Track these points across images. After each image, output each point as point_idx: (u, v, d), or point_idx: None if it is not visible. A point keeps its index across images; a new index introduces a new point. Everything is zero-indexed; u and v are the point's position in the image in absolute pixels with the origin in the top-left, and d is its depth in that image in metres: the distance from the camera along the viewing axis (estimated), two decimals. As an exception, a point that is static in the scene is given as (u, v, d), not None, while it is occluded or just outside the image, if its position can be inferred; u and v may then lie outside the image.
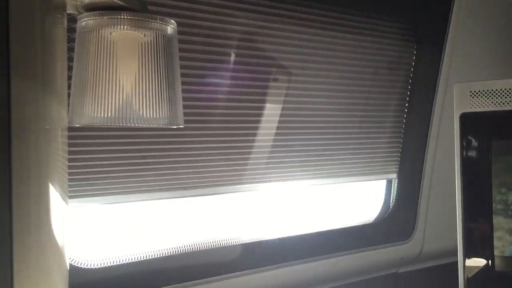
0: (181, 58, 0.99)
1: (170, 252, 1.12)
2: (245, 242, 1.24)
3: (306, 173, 1.32)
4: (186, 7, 1.02)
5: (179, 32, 0.71)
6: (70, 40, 0.66)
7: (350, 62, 1.34)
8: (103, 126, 0.64)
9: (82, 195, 0.96)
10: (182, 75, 0.99)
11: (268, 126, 1.21)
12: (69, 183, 0.90)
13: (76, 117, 0.63)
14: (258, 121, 1.18)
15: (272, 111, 1.20)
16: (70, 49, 0.65)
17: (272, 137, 1.22)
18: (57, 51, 0.57)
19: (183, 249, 1.14)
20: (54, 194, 0.54)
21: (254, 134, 1.18)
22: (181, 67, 1.00)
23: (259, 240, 1.27)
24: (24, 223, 0.48)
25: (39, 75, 0.53)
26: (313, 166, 1.32)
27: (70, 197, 0.94)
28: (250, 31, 1.13)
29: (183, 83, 1.01)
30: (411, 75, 1.48)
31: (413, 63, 1.48)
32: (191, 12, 1.03)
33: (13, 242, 0.47)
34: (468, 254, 0.99)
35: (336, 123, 1.36)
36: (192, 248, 1.16)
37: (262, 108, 1.18)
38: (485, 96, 0.98)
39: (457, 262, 1.02)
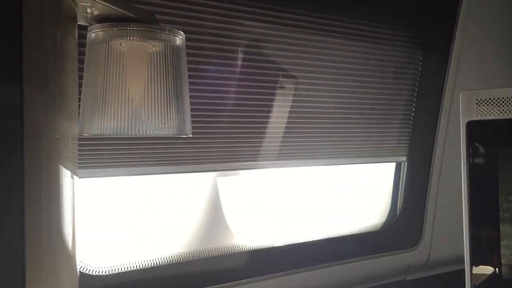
0: (191, 56, 1.01)
1: (178, 259, 1.12)
2: (251, 249, 1.25)
3: (319, 153, 1.35)
4: (195, 9, 1.04)
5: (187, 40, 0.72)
6: (81, 50, 0.67)
7: (357, 68, 1.35)
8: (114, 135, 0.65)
9: (99, 165, 0.98)
10: (195, 70, 1.01)
11: (282, 116, 1.24)
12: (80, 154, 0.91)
13: (85, 127, 0.64)
14: (271, 110, 1.21)
15: (284, 103, 1.23)
16: (81, 60, 0.66)
17: (286, 119, 1.24)
18: (68, 62, 0.58)
19: (191, 256, 1.15)
20: (65, 202, 0.55)
21: (268, 116, 1.21)
22: (194, 62, 1.02)
23: (265, 247, 1.28)
24: (35, 231, 0.49)
25: (51, 85, 0.54)
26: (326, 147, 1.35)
27: (82, 167, 0.95)
28: (263, 32, 1.15)
29: (199, 78, 1.04)
30: (417, 80, 1.49)
31: (419, 70, 1.48)
32: (199, 13, 1.05)
33: (25, 249, 0.48)
34: (475, 262, 0.99)
35: (341, 133, 1.37)
36: (200, 255, 1.16)
37: (275, 100, 1.22)
38: (492, 104, 0.98)
39: (464, 269, 1.02)
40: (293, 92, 1.24)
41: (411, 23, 1.44)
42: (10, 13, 0.48)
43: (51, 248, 0.52)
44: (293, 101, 1.24)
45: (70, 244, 0.56)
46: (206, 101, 1.10)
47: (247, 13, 1.11)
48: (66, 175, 0.55)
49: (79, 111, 0.65)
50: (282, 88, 1.22)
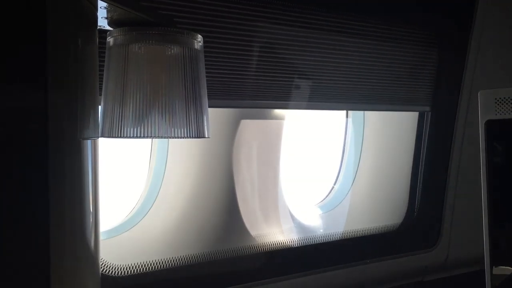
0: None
1: (196, 260, 1.13)
2: (267, 250, 1.25)
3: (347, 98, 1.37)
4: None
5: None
6: (100, 54, 0.68)
7: (376, 67, 1.34)
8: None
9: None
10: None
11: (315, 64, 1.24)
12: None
13: (106, 130, 0.65)
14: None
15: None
16: (101, 63, 0.67)
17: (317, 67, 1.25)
18: (89, 66, 0.59)
19: (207, 258, 1.15)
20: (88, 204, 0.55)
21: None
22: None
23: (281, 248, 1.28)
24: (60, 230, 0.50)
25: (73, 89, 0.55)
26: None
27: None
28: (284, 33, 1.16)
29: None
30: (434, 82, 1.48)
31: (435, 70, 1.47)
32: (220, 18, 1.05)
33: (50, 250, 0.48)
34: (494, 263, 0.98)
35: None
36: (216, 257, 1.17)
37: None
38: (511, 103, 0.97)
39: (483, 270, 1.00)
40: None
41: (429, 24, 1.43)
42: (35, 20, 0.49)
43: (75, 249, 0.53)
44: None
45: (93, 246, 0.57)
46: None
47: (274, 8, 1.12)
48: (88, 175, 0.56)
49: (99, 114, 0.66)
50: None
